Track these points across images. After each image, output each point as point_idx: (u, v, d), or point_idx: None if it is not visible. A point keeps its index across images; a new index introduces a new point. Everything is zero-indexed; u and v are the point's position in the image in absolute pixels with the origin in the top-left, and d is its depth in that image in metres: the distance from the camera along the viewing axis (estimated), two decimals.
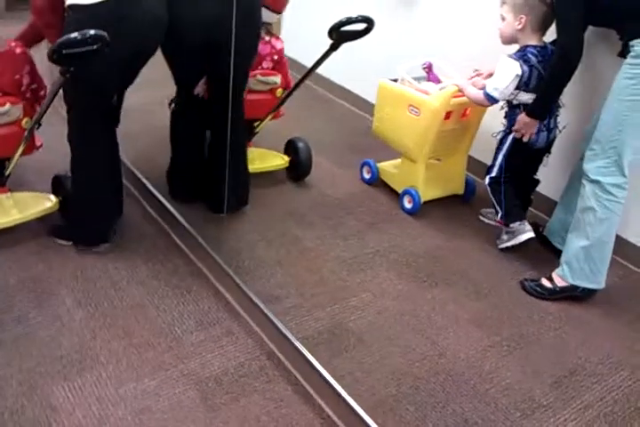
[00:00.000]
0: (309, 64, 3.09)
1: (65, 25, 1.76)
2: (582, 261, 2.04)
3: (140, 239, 2.20)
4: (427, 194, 2.52)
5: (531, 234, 2.23)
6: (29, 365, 1.64)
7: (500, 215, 2.30)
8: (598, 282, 2.06)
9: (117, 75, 1.89)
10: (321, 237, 2.33)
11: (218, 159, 2.19)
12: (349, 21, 2.05)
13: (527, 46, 2.11)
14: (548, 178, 2.42)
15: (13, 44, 1.98)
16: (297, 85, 2.42)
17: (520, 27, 2.09)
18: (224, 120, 2.09)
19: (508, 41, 2.17)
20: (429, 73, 2.55)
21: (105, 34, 1.58)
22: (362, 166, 2.77)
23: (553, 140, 2.27)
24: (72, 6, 1.72)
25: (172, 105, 2.81)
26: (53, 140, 2.27)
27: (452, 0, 2.84)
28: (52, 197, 2.17)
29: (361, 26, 2.13)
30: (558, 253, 2.18)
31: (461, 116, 2.44)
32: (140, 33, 1.78)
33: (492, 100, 2.18)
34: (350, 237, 2.36)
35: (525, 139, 2.18)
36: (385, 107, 2.55)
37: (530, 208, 2.47)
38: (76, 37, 1.57)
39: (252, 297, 1.86)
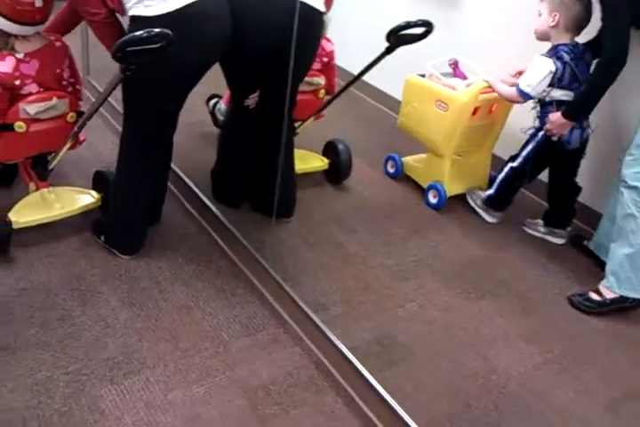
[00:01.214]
0: (348, 68, 3.06)
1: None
2: (628, 270, 1.99)
3: (182, 239, 2.16)
4: (452, 189, 2.52)
5: (493, 221, 2.46)
6: (76, 366, 1.60)
7: (488, 194, 2.41)
8: None
9: (181, 83, 1.85)
10: (363, 242, 2.29)
11: (268, 168, 2.15)
12: (409, 25, 1.99)
13: (558, 45, 2.12)
14: (586, 187, 2.37)
15: (53, 37, 1.94)
16: (345, 88, 2.37)
17: (553, 24, 2.10)
18: (275, 130, 2.05)
19: (541, 37, 2.18)
20: (455, 69, 2.55)
21: (169, 32, 1.53)
22: (386, 161, 2.77)
23: (587, 140, 2.24)
24: (135, 18, 1.66)
25: (212, 107, 2.78)
26: (90, 135, 2.24)
27: (484, 2, 2.82)
28: (94, 193, 2.12)
29: (419, 29, 2.07)
30: (605, 266, 2.12)
31: (488, 113, 2.45)
32: (206, 44, 1.71)
33: (526, 97, 2.17)
34: (393, 243, 2.31)
35: (555, 138, 2.17)
36: (412, 101, 2.56)
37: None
38: (141, 35, 1.52)
39: (300, 304, 1.81)
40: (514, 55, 2.47)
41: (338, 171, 2.60)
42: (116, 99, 2.86)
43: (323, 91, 2.45)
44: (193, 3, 1.63)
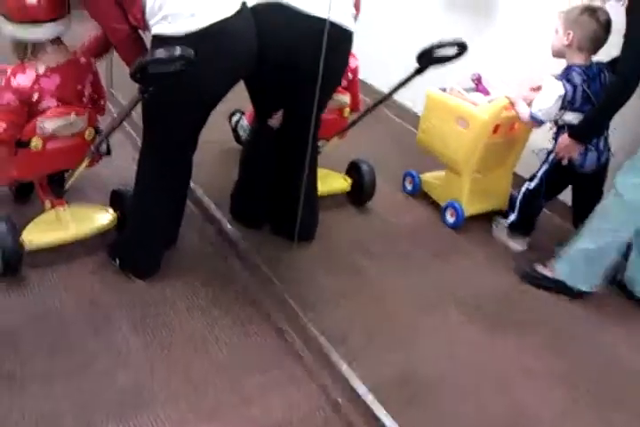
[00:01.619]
0: (371, 82, 2.95)
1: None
2: (582, 264, 2.06)
3: (200, 261, 2.09)
4: (470, 208, 2.46)
5: (518, 248, 2.36)
6: (85, 399, 1.54)
7: (511, 221, 2.33)
8: (591, 286, 2.09)
9: (203, 104, 1.79)
10: (385, 269, 2.20)
11: (290, 190, 2.10)
12: (442, 45, 1.91)
13: (572, 66, 2.09)
14: None
15: (78, 52, 1.90)
16: (373, 107, 2.29)
17: (567, 42, 2.06)
18: (299, 150, 2.00)
19: (556, 54, 2.15)
20: (478, 84, 2.50)
21: (191, 53, 1.46)
22: (404, 177, 2.71)
23: (606, 164, 2.16)
24: (158, 36, 1.59)
25: (235, 123, 2.72)
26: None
27: (513, 16, 2.76)
28: (111, 211, 2.07)
29: (452, 50, 1.99)
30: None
31: (509, 130, 2.39)
32: (233, 65, 1.64)
33: (538, 122, 2.16)
34: (416, 270, 2.22)
35: (564, 162, 2.13)
36: (432, 117, 2.49)
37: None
38: (161, 56, 1.46)
39: (317, 337, 1.74)
40: (541, 69, 2.37)
41: (361, 192, 2.52)
42: (137, 111, 2.84)
43: (347, 109, 2.38)
44: (220, 21, 1.56)
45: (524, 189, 2.30)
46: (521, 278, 2.18)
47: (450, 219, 2.47)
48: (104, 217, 2.05)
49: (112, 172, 2.43)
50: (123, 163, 2.54)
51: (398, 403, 1.63)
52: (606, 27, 2.02)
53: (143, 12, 1.58)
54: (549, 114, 2.10)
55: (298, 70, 1.84)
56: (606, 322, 2.07)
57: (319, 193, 2.31)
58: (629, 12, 1.88)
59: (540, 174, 2.24)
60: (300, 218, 2.21)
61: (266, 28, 1.73)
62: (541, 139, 2.32)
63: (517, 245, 2.39)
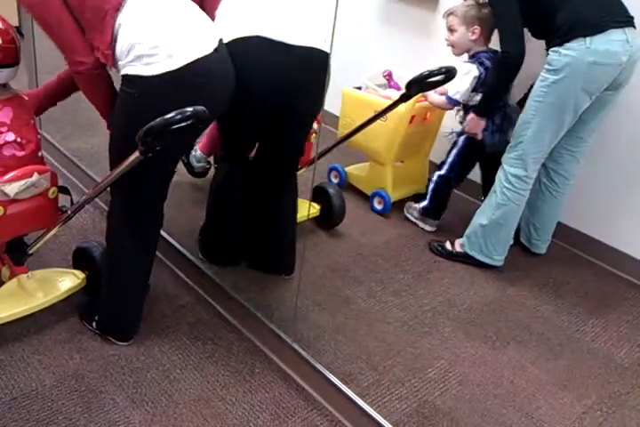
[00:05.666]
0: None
1: (119, 100, 1.50)
2: (480, 237, 2.26)
3: (180, 313, 1.95)
4: (395, 194, 2.65)
5: (431, 229, 2.54)
6: None
7: (423, 205, 2.51)
8: (492, 259, 2.29)
9: (180, 149, 1.68)
10: (372, 295, 2.16)
11: (270, 221, 2.04)
12: (432, 74, 1.87)
13: (478, 52, 2.28)
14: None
15: (21, 90, 1.74)
16: (353, 133, 2.22)
17: (474, 37, 2.24)
18: (278, 182, 1.95)
19: (462, 51, 2.32)
20: (390, 80, 2.65)
21: (204, 109, 1.34)
22: (329, 171, 2.82)
23: (507, 143, 2.27)
24: (130, 77, 1.44)
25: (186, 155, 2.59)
26: None
27: (415, 19, 2.90)
28: (78, 273, 1.89)
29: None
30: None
31: (423, 120, 2.57)
32: (210, 105, 1.50)
33: (454, 103, 2.34)
34: (402, 292, 2.19)
35: (479, 137, 2.29)
36: (350, 113, 2.59)
37: None
38: (172, 118, 1.32)
39: (330, 378, 1.66)
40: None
41: (331, 217, 2.47)
42: (80, 158, 2.64)
43: (314, 135, 2.32)
44: (198, 59, 1.45)
45: (435, 177, 2.47)
46: (434, 254, 2.40)
47: (378, 206, 2.65)
48: (72, 278, 1.86)
49: (67, 230, 2.23)
50: (77, 219, 2.33)
51: None
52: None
53: (113, 50, 1.44)
54: (465, 95, 2.28)
55: (285, 101, 1.75)
56: (589, 318, 2.15)
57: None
58: None
59: (450, 160, 2.42)
60: (279, 251, 2.14)
61: (250, 62, 1.63)
62: (451, 126, 2.47)
63: (429, 226, 2.55)
